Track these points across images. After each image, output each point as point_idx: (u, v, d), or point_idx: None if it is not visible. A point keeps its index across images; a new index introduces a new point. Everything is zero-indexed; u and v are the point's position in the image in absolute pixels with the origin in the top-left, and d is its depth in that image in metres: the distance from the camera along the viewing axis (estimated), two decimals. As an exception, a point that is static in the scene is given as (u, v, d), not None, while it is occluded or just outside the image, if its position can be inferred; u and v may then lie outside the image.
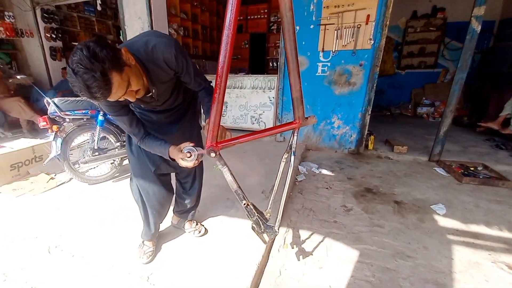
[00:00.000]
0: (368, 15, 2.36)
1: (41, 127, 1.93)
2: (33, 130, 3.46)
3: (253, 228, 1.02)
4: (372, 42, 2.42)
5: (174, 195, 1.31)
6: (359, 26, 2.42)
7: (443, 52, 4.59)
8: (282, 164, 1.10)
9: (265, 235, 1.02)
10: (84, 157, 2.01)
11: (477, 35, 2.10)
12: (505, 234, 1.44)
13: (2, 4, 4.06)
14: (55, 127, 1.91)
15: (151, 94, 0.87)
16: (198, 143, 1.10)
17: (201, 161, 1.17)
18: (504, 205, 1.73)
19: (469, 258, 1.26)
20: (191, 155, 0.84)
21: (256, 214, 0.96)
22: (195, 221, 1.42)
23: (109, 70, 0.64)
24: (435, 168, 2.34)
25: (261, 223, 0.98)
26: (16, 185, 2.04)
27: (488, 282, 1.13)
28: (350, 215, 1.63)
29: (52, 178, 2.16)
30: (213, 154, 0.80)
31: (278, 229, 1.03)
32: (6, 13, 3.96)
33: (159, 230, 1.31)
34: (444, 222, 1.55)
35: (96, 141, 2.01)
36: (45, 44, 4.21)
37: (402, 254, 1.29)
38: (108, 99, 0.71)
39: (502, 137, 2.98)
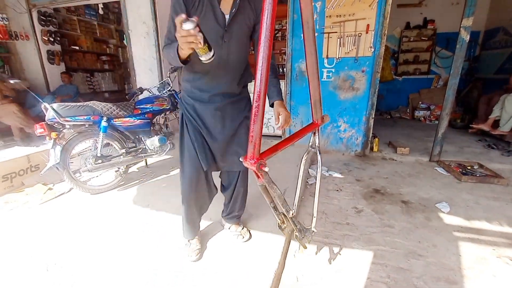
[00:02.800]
0: (368, 25, 2.54)
1: (38, 134, 1.86)
2: (26, 137, 3.33)
3: (296, 237, 1.07)
4: (373, 49, 2.59)
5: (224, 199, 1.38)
6: (360, 34, 2.59)
7: (435, 60, 4.96)
8: (303, 165, 1.16)
9: (304, 240, 1.08)
10: (86, 166, 1.97)
11: (466, 44, 2.30)
12: (506, 229, 1.56)
13: None
14: (53, 134, 1.81)
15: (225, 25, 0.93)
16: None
17: (247, 169, 1.20)
18: (501, 201, 1.88)
19: (476, 254, 1.35)
20: (188, 20, 0.64)
21: (298, 222, 1.02)
22: (241, 225, 1.46)
23: None
24: (436, 168, 2.49)
25: (302, 229, 1.04)
26: (9, 198, 1.93)
27: (495, 277, 1.21)
28: (362, 216, 1.73)
29: (50, 189, 2.07)
30: (267, 169, 0.75)
31: (315, 229, 1.10)
32: (-1, 15, 3.86)
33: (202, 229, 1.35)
34: (449, 219, 1.67)
35: (99, 148, 1.97)
36: (42, 47, 4.11)
37: (414, 253, 1.36)
38: None
39: (493, 138, 3.23)
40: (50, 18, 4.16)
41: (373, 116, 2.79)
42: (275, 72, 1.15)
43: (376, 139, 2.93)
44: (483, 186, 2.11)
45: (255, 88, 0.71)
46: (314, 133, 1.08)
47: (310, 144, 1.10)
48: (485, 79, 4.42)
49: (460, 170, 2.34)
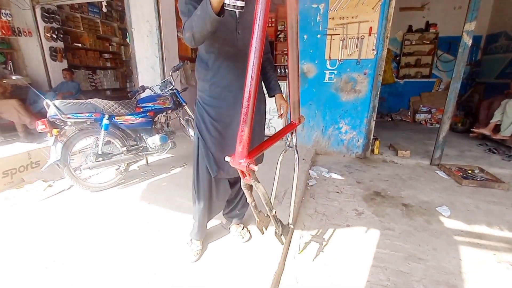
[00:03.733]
0: (371, 27, 2.54)
1: (40, 131, 1.86)
2: (29, 134, 3.33)
3: (275, 233, 1.09)
4: (375, 52, 2.58)
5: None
6: (362, 37, 2.59)
7: (436, 64, 4.97)
8: (279, 164, 1.18)
9: (282, 237, 1.11)
10: (86, 163, 1.97)
11: (468, 48, 2.31)
12: (506, 233, 1.56)
13: None
14: (55, 131, 1.81)
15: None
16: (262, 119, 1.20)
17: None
18: (501, 206, 1.87)
19: (476, 259, 1.35)
20: None
21: (279, 220, 1.05)
22: (241, 225, 1.45)
23: None
24: (437, 172, 2.49)
25: (281, 225, 1.08)
26: (9, 194, 1.93)
27: (496, 282, 1.21)
28: (362, 219, 1.72)
29: (50, 186, 2.06)
30: (255, 168, 0.75)
31: (293, 225, 1.14)
32: (2, 11, 3.86)
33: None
34: (450, 223, 1.67)
35: (100, 146, 1.97)
36: (44, 44, 4.12)
37: (414, 256, 1.36)
38: None
39: (494, 142, 3.23)
40: (53, 15, 4.16)
41: (375, 118, 2.79)
42: (273, 67, 1.23)
43: (377, 142, 2.93)
44: (484, 191, 2.11)
45: (245, 87, 0.70)
46: (292, 133, 1.13)
47: (288, 143, 1.15)
48: (486, 83, 4.43)
49: (461, 174, 2.34)
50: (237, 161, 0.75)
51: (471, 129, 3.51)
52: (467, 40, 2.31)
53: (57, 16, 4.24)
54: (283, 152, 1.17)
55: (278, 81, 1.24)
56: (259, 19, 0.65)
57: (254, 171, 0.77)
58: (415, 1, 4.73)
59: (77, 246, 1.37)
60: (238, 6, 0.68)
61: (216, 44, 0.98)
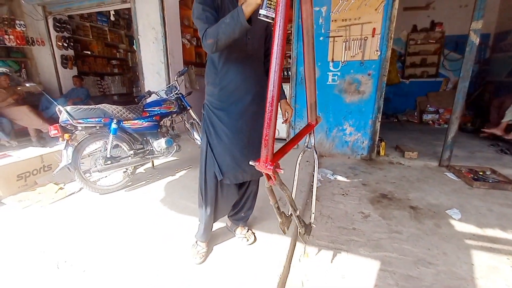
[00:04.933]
0: (374, 28, 2.51)
1: (52, 136, 1.92)
2: (42, 138, 3.45)
3: (299, 233, 1.11)
4: (379, 53, 2.55)
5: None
6: (365, 38, 2.56)
7: (443, 63, 4.85)
8: (298, 165, 1.18)
9: (306, 236, 1.13)
10: (96, 166, 2.02)
11: (476, 47, 2.26)
12: None
13: (13, 13, 4.16)
14: (66, 136, 1.88)
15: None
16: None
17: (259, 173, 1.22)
18: (515, 209, 1.82)
19: (488, 263, 1.30)
20: None
21: (303, 220, 1.05)
22: (246, 227, 1.45)
23: None
24: (446, 173, 2.42)
25: (304, 225, 1.08)
26: (22, 196, 1.97)
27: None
28: (368, 222, 1.69)
29: (61, 188, 2.12)
30: (282, 171, 0.76)
31: (313, 223, 1.15)
32: (17, 21, 4.04)
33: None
34: (460, 227, 1.61)
35: (109, 150, 2.02)
36: (56, 52, 4.28)
37: (424, 261, 1.32)
38: None
39: (506, 142, 3.11)
40: (64, 25, 4.33)
41: (380, 119, 2.74)
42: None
43: (383, 143, 2.87)
44: (496, 193, 2.03)
45: (268, 93, 0.73)
46: (310, 134, 1.14)
47: (306, 144, 1.15)
48: (496, 82, 4.28)
49: (472, 175, 2.27)
50: (263, 165, 0.77)
51: (482, 129, 3.39)
52: (475, 39, 2.26)
53: (68, 26, 4.42)
54: (301, 153, 1.17)
55: (283, 85, 1.28)
56: (279, 28, 0.68)
57: (279, 174, 0.80)
58: (419, 1, 4.65)
59: (86, 247, 1.40)
60: (271, 17, 0.73)
61: (226, 49, 0.99)
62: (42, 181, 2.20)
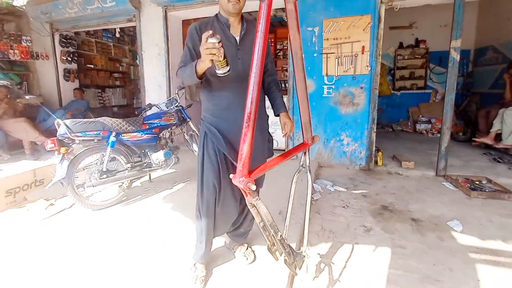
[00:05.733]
0: (363, 46, 2.60)
1: (48, 149, 1.85)
2: (36, 151, 3.33)
3: (285, 261, 0.96)
4: (369, 68, 2.62)
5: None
6: (356, 55, 2.64)
7: (430, 76, 5.00)
8: (294, 184, 1.11)
9: (294, 265, 0.97)
10: (90, 180, 1.92)
11: (457, 63, 2.37)
12: None
13: (21, 29, 4.20)
14: (63, 149, 1.81)
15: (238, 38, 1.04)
16: (269, 146, 1.22)
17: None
18: (515, 219, 1.77)
19: (494, 278, 1.23)
20: (214, 35, 0.75)
21: (288, 245, 0.93)
22: (245, 245, 1.37)
23: None
24: (444, 183, 2.37)
25: (291, 252, 0.94)
26: (9, 213, 1.86)
27: None
28: (371, 236, 1.61)
29: (51, 204, 1.98)
30: (253, 187, 0.72)
31: (306, 254, 1.02)
32: (24, 37, 4.08)
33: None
34: (463, 239, 1.54)
35: (105, 163, 1.93)
36: (59, 66, 4.28)
37: (430, 278, 1.24)
38: None
39: (497, 151, 3.12)
40: (70, 40, 4.35)
41: (375, 130, 2.74)
42: (279, 87, 1.23)
43: (380, 153, 2.84)
44: (494, 202, 1.98)
45: (246, 109, 0.73)
46: (305, 153, 1.09)
47: (301, 163, 1.10)
48: (481, 93, 4.40)
49: (468, 185, 2.23)
50: (237, 179, 0.74)
51: (473, 139, 3.42)
52: (455, 56, 2.38)
53: (73, 41, 4.43)
54: (296, 173, 1.10)
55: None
56: (258, 51, 0.71)
57: (253, 190, 0.74)
58: (403, 21, 4.86)
59: (74, 268, 1.29)
60: (226, 73, 0.83)
61: None
62: (32, 197, 2.06)
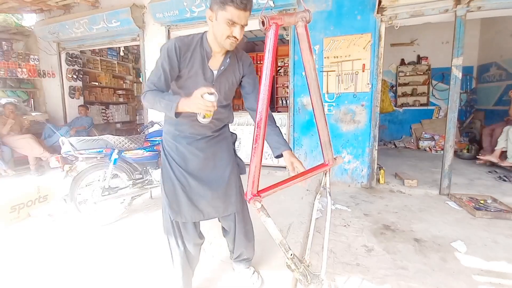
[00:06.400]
0: (364, 64, 2.76)
1: (53, 167, 1.99)
2: (41, 167, 3.49)
3: (300, 281, 0.98)
4: (370, 86, 2.76)
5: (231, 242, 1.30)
6: (356, 73, 2.79)
7: (433, 92, 5.17)
8: (316, 205, 1.14)
9: (311, 287, 0.99)
10: (92, 197, 2.02)
11: (459, 80, 2.48)
12: None
13: (29, 49, 4.55)
14: (66, 167, 1.95)
15: (220, 68, 1.01)
16: (240, 189, 1.17)
17: (242, 210, 1.20)
18: (521, 240, 1.79)
19: None
20: (212, 93, 0.78)
21: (302, 264, 0.95)
22: (252, 268, 1.39)
23: (251, 7, 0.90)
24: (447, 202, 2.42)
25: (307, 273, 0.96)
26: (13, 229, 1.97)
27: None
28: (372, 256, 1.64)
29: (54, 221, 2.11)
30: (258, 205, 0.77)
31: (324, 278, 1.01)
32: (31, 56, 4.41)
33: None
34: (467, 261, 1.57)
35: (107, 180, 2.03)
36: (65, 83, 4.56)
37: (433, 300, 1.29)
38: (238, 12, 0.87)
39: (503, 169, 3.17)
40: (76, 59, 4.68)
41: (376, 147, 2.83)
42: (273, 120, 1.14)
43: (382, 171, 2.92)
44: (499, 223, 2.02)
45: (254, 131, 0.78)
46: (325, 174, 1.06)
47: (322, 184, 1.09)
48: (485, 110, 4.53)
49: (473, 204, 2.27)
50: (247, 197, 0.80)
51: (477, 156, 3.48)
52: (457, 73, 2.48)
53: (79, 60, 4.77)
54: (318, 196, 1.14)
55: (281, 115, 1.27)
56: (265, 76, 0.76)
57: (260, 208, 0.79)
58: (404, 38, 5.14)
59: (72, 285, 1.34)
60: (208, 122, 0.87)
61: (185, 94, 0.98)
62: (35, 213, 2.17)
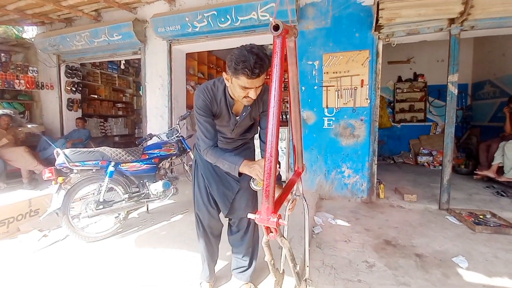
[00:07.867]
0: (362, 80, 2.94)
1: (46, 179, 1.97)
2: (33, 180, 3.47)
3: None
4: (369, 101, 2.92)
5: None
6: (355, 88, 2.97)
7: (429, 109, 5.45)
8: (287, 213, 1.13)
9: None
10: (86, 211, 1.99)
11: (455, 96, 2.65)
12: None
13: (28, 60, 4.67)
14: (60, 179, 1.92)
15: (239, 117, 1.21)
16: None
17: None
18: (521, 255, 1.86)
19: None
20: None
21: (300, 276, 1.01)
22: (250, 284, 1.46)
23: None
24: (447, 217, 2.50)
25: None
26: (1, 245, 1.94)
27: None
28: (374, 272, 1.68)
29: (45, 236, 2.07)
30: (284, 222, 0.73)
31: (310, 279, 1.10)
32: (30, 68, 4.50)
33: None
34: (469, 276, 1.62)
35: (102, 193, 2.02)
36: (63, 96, 4.65)
37: (436, 318, 1.32)
38: (250, 80, 0.98)
39: (501, 184, 3.29)
40: (76, 71, 4.81)
41: (376, 162, 2.94)
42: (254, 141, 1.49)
43: (382, 185, 3.01)
44: (499, 238, 2.09)
45: (266, 149, 0.78)
46: (297, 182, 1.17)
47: (294, 192, 1.14)
48: (481, 126, 4.76)
49: (473, 219, 2.35)
50: (265, 218, 0.72)
51: (475, 172, 3.61)
52: (453, 90, 2.66)
53: (79, 72, 4.88)
54: (290, 202, 1.20)
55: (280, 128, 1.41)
56: (275, 86, 0.78)
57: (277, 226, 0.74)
58: (401, 56, 5.49)
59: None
60: (257, 189, 1.05)
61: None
62: (25, 228, 2.15)
